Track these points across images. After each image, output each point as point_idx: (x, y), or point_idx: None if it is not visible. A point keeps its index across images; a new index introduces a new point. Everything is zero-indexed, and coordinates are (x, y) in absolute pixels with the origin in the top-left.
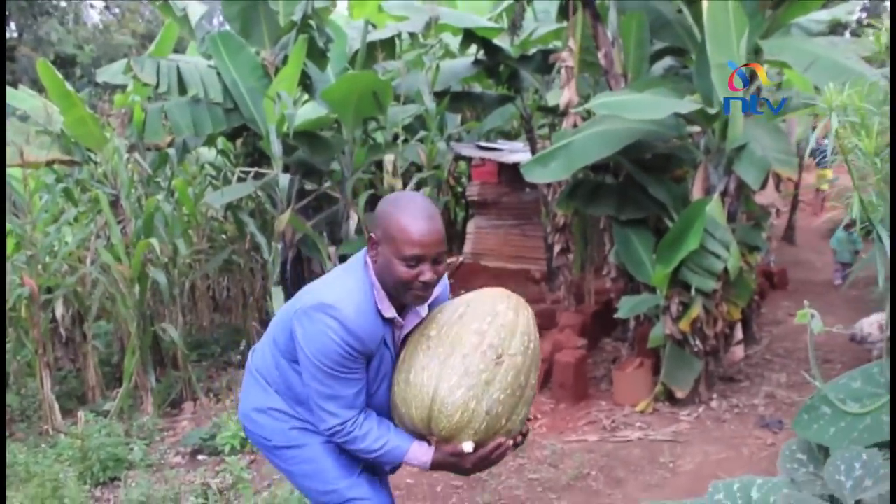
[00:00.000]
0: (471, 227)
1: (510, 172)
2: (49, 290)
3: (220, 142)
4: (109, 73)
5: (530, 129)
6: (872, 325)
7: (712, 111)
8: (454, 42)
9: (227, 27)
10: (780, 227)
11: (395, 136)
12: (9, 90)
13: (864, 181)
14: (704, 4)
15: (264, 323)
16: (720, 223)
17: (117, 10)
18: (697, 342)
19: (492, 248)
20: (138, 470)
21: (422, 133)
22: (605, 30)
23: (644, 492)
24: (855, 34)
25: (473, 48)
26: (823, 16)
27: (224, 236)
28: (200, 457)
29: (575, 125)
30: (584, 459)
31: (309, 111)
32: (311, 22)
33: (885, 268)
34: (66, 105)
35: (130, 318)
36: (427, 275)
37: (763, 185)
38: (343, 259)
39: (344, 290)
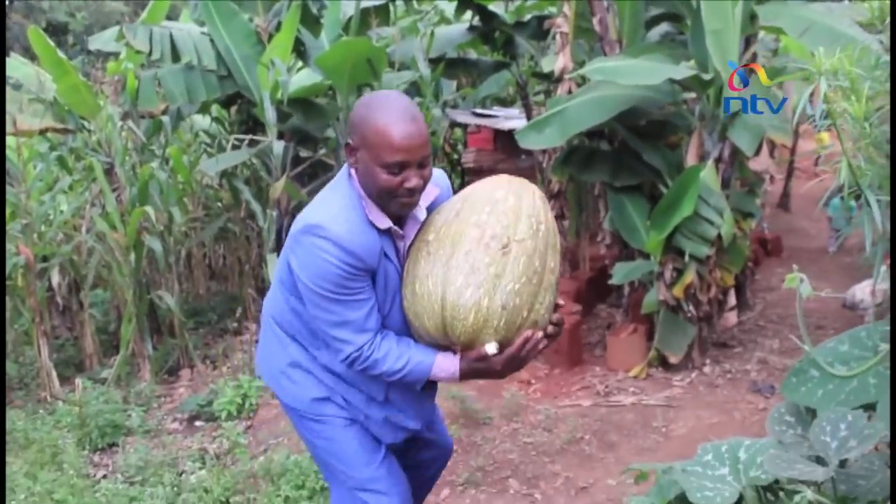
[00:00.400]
0: None
1: (506, 139)
2: (45, 259)
3: (215, 109)
4: (102, 41)
5: (525, 95)
6: (865, 290)
7: (707, 77)
8: (449, 8)
9: None
10: (775, 193)
11: None
12: None
13: (855, 145)
14: None
15: (260, 290)
16: (714, 189)
17: None
18: (691, 308)
19: None
20: (136, 436)
21: (417, 100)
22: None
23: (636, 455)
24: None
25: (468, 14)
26: None
27: (219, 204)
28: (198, 423)
29: (570, 91)
30: (578, 424)
31: (303, 78)
32: None
33: (872, 233)
34: (59, 73)
35: (126, 286)
36: (412, 181)
37: (757, 152)
38: None
39: (331, 208)
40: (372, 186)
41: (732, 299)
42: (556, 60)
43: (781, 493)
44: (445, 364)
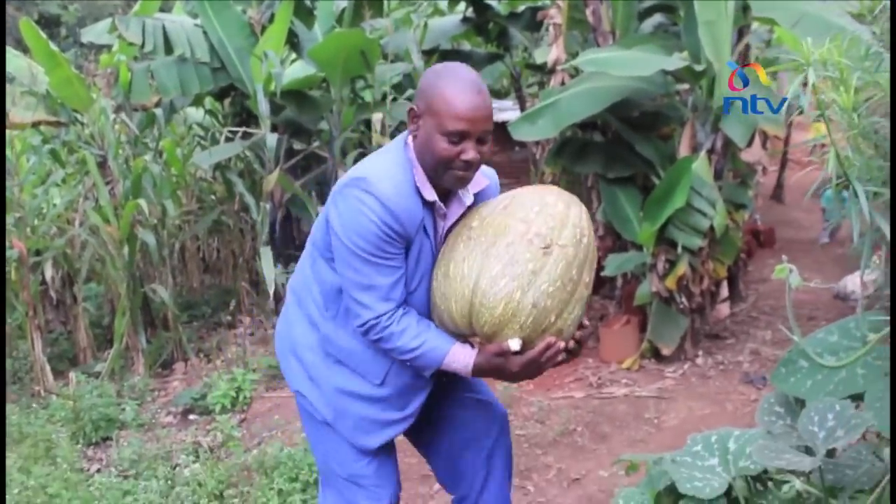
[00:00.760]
0: None
1: (500, 131)
2: (38, 253)
3: (208, 101)
4: (94, 33)
5: (519, 87)
6: (856, 281)
7: (699, 68)
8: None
9: None
10: (769, 185)
11: (384, 95)
12: None
13: (844, 135)
14: None
15: (254, 283)
16: (707, 181)
17: None
18: (683, 300)
19: None
20: (130, 429)
21: (410, 91)
22: None
23: (629, 447)
24: None
25: (462, 6)
26: None
27: (213, 197)
28: (191, 416)
29: (563, 83)
30: (571, 415)
31: (296, 70)
32: None
33: (860, 224)
34: (51, 65)
35: (120, 279)
36: (470, 153)
37: (749, 143)
38: None
39: (381, 167)
40: (429, 155)
41: (725, 291)
42: (550, 52)
43: (770, 483)
44: (461, 355)
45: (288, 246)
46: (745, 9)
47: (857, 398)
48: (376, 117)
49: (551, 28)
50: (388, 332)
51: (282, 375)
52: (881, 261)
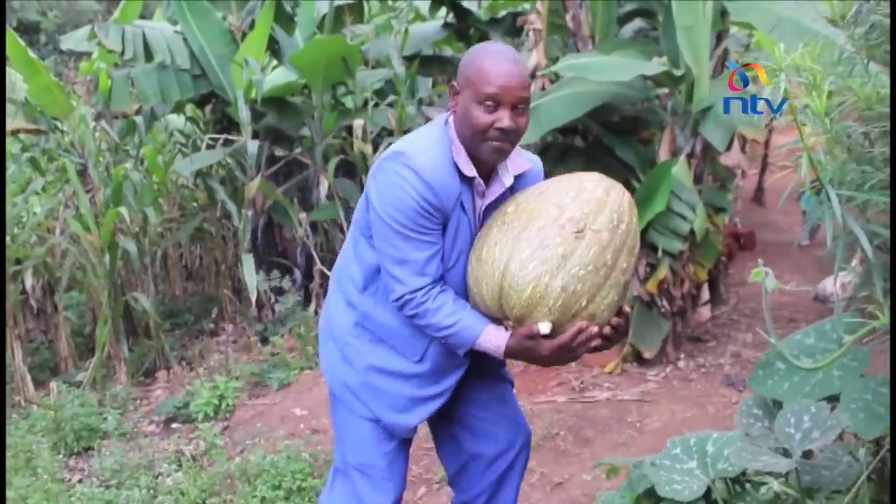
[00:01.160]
0: None
1: None
2: (18, 262)
3: (189, 109)
4: (74, 40)
5: None
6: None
7: (678, 73)
8: (423, 5)
9: None
10: (749, 188)
11: (365, 101)
12: None
13: (816, 140)
14: None
15: (236, 291)
16: (686, 185)
17: None
18: (664, 303)
19: None
20: (112, 439)
21: (392, 97)
22: None
23: (611, 450)
24: None
25: (443, 11)
26: None
27: (195, 204)
28: (174, 425)
29: (543, 88)
30: (554, 420)
31: (277, 77)
32: None
33: (833, 227)
34: (30, 73)
35: (101, 287)
36: (505, 121)
37: (728, 147)
38: (314, 226)
39: (420, 142)
40: (467, 127)
41: (706, 294)
42: (530, 57)
43: (748, 485)
44: (494, 336)
45: (270, 253)
46: (723, 13)
47: (833, 400)
48: (358, 123)
49: (531, 33)
50: (424, 308)
51: (264, 383)
52: (857, 263)
